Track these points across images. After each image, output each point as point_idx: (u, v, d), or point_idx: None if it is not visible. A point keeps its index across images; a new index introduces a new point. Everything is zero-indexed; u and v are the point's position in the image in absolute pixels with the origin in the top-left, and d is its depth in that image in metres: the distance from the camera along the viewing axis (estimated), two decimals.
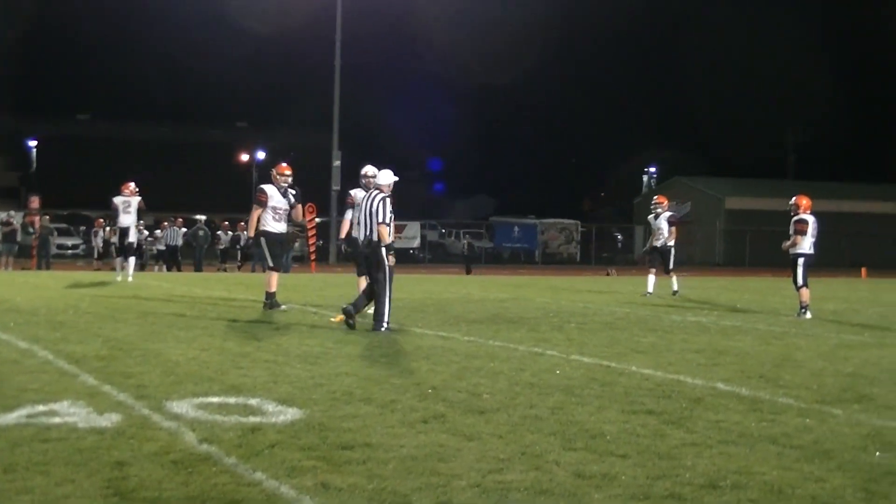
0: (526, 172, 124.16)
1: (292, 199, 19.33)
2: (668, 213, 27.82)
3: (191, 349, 12.70)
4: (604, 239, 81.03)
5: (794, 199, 21.50)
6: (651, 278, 27.71)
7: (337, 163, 57.16)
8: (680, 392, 10.04)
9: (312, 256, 49.90)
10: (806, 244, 20.94)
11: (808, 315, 20.43)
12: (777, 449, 7.48)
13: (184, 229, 46.93)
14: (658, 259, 27.93)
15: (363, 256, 16.72)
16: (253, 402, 8.97)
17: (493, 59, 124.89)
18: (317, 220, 52.75)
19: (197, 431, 7.64)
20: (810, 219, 20.99)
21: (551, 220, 79.19)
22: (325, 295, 24.54)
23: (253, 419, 8.16)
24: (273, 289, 19.22)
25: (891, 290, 36.40)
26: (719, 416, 8.76)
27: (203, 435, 7.52)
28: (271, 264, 19.29)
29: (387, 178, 16.19)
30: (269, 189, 19.18)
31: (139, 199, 28.52)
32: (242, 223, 50.43)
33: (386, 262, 15.73)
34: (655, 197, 28.93)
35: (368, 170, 18.74)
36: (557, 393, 9.79)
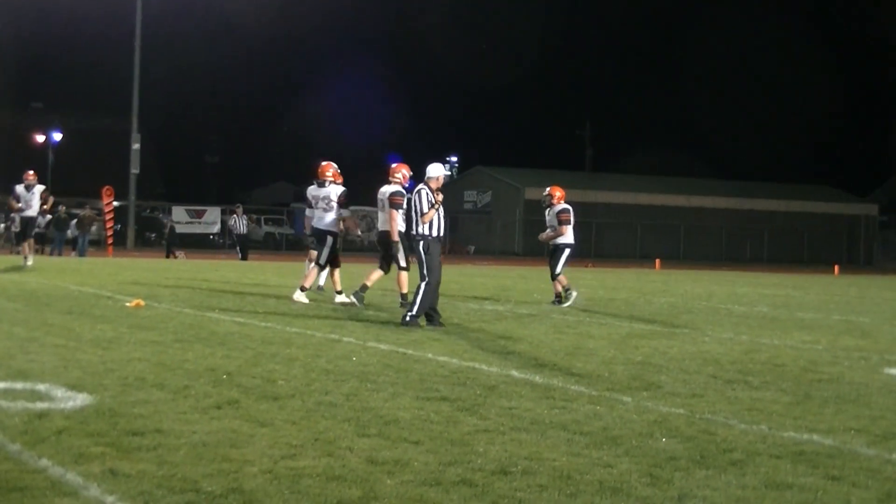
0: (326, 160, 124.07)
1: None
2: (340, 189, 20.46)
3: None
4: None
5: (548, 189, 21.52)
6: (321, 274, 21.17)
7: (136, 146, 56.13)
8: (475, 379, 10.13)
9: (110, 241, 49.15)
10: (570, 234, 20.93)
11: (574, 294, 20.48)
12: (567, 435, 7.60)
13: None
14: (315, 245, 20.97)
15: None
16: (41, 387, 8.74)
17: (288, 49, 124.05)
18: (114, 203, 51.90)
19: None
20: (571, 208, 21.07)
21: (352, 208, 79.18)
22: (120, 279, 24.12)
23: (40, 405, 7.95)
24: (405, 289, 18.46)
25: (682, 280, 37.36)
26: (512, 403, 8.86)
27: None
28: (403, 265, 18.67)
29: (431, 171, 15.98)
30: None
31: None
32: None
33: (423, 255, 15.55)
34: (325, 163, 20.81)
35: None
36: (353, 379, 9.79)
